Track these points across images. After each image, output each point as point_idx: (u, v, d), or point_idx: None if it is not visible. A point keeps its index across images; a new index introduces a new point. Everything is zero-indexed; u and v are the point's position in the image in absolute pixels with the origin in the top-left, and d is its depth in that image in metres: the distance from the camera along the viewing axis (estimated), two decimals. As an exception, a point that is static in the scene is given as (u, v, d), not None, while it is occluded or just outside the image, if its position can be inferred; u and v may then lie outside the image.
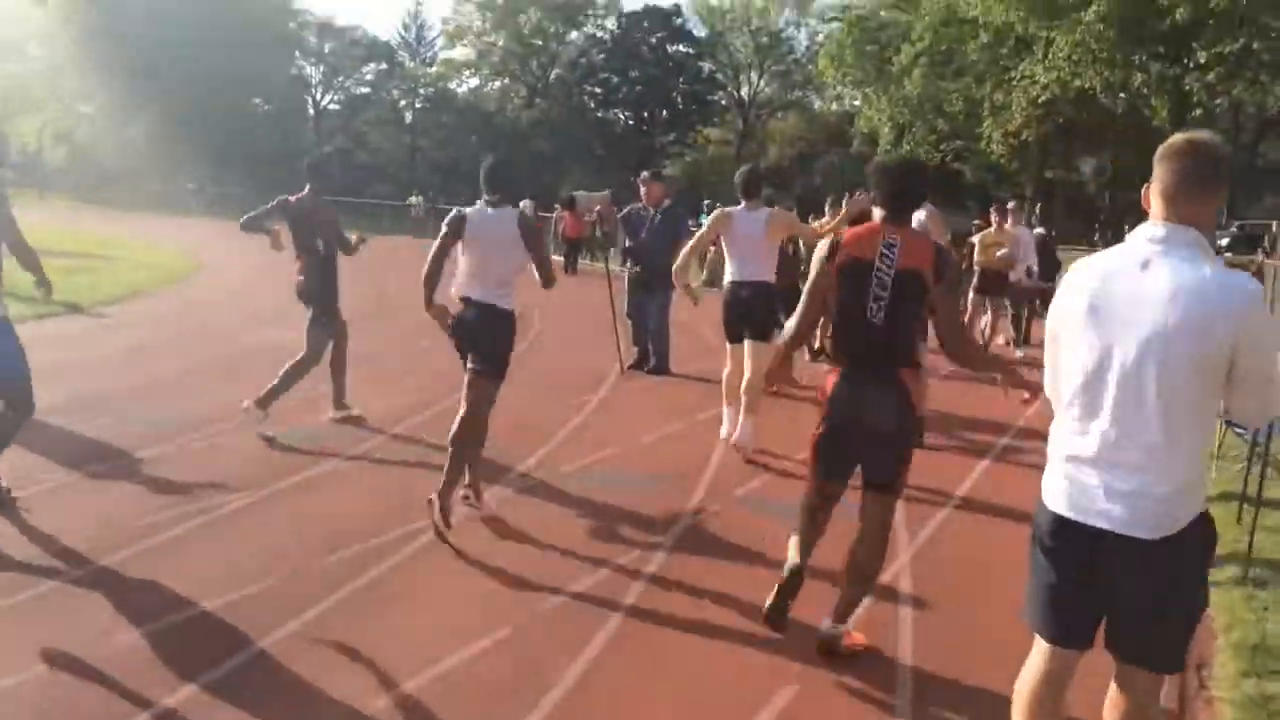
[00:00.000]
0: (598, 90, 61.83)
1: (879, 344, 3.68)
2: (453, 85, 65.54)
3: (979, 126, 34.93)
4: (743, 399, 6.78)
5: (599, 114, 62.68)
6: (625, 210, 9.71)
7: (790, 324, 4.12)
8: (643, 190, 9.66)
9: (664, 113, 61.13)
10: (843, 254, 3.75)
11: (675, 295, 9.04)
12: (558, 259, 23.67)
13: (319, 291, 6.80)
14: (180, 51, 48.33)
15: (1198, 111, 34.01)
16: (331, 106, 65.18)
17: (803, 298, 3.98)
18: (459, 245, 5.14)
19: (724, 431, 7.12)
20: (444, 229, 5.12)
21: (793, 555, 3.87)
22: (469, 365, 5.16)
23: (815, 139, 57.84)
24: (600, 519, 5.30)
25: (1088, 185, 42.94)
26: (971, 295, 11.75)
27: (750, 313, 6.80)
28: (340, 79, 64.54)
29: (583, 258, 22.52)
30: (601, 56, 61.25)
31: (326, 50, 63.23)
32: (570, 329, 12.15)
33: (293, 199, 6.77)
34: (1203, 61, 26.67)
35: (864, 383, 3.73)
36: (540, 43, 63.03)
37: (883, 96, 39.75)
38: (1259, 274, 9.58)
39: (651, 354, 9.81)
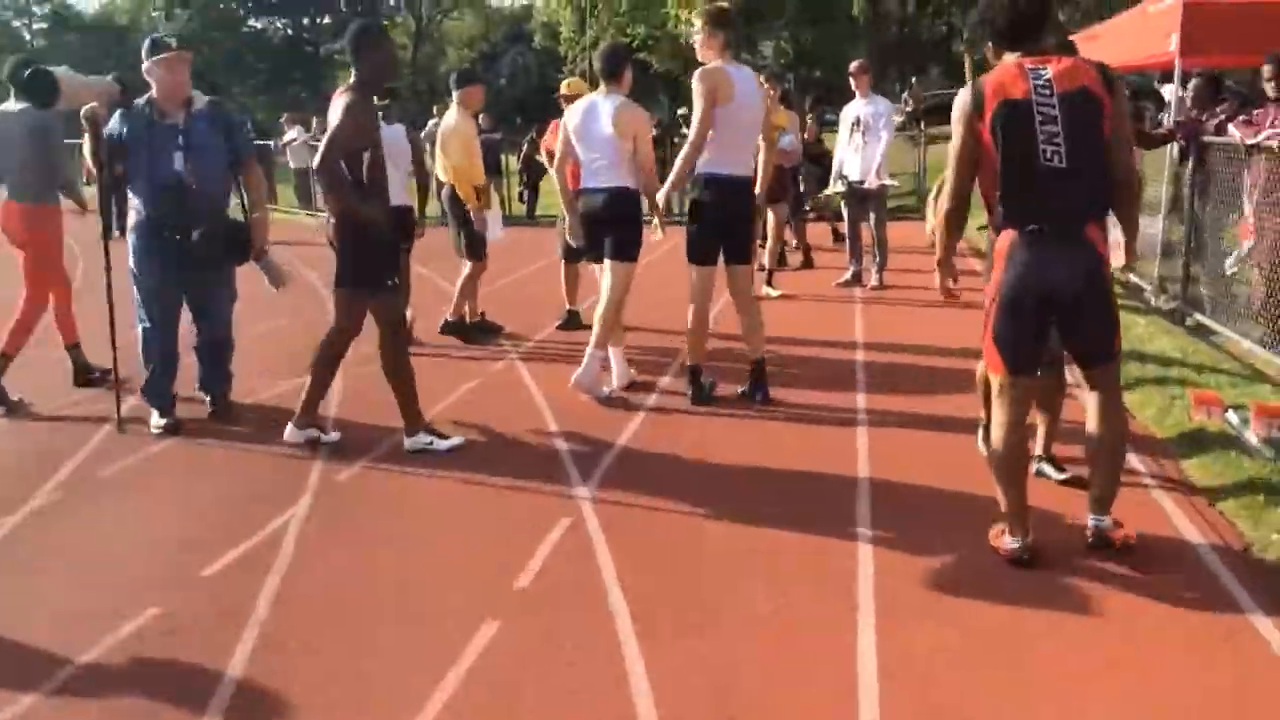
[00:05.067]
0: (247, -4, 55.36)
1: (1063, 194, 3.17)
2: (73, 1, 56.80)
3: (664, 7, 33.25)
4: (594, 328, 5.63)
5: (252, 23, 56.25)
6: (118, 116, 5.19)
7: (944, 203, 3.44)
8: (157, 79, 5.12)
9: (326, 18, 55.62)
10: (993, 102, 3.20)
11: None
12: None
13: None
14: None
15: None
16: (-69, 37, 54.91)
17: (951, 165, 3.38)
18: None
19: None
20: None
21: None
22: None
23: (495, 39, 54.73)
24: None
25: (771, 68, 42.95)
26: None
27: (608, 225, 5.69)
28: (-64, 2, 54.40)
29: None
30: (246, -44, 54.79)
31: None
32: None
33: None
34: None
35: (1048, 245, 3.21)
36: (171, -57, 55.36)
37: (558, -23, 37.18)
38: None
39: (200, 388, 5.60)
